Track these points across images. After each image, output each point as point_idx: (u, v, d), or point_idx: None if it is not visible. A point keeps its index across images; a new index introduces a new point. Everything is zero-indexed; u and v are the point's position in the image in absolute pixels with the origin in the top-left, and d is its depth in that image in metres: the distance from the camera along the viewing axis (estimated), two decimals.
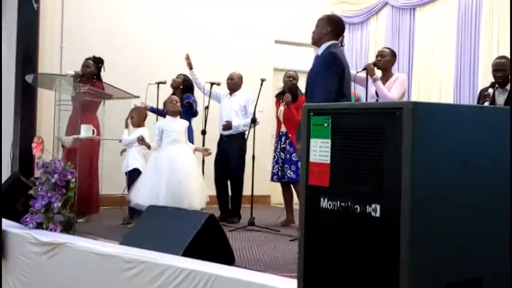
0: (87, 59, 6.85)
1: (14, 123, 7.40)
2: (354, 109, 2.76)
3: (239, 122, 6.99)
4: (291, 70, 7.07)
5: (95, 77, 6.81)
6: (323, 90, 4.55)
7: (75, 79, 6.36)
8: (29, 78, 6.79)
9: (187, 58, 7.07)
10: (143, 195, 5.76)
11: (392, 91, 5.48)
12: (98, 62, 6.87)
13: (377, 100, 5.52)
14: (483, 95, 5.79)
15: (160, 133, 6.07)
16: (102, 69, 6.89)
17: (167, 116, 6.25)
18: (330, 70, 4.62)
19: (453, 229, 2.46)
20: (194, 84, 7.18)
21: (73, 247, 4.51)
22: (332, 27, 4.81)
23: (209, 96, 7.08)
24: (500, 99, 5.67)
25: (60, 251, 4.58)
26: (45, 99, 7.54)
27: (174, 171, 5.85)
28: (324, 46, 4.78)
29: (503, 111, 2.71)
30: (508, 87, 5.67)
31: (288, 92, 6.71)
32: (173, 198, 5.62)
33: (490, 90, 5.71)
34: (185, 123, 6.25)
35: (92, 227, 6.06)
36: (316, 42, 4.88)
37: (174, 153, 5.98)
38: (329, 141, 2.69)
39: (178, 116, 6.26)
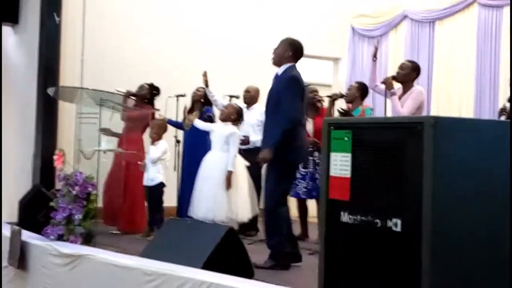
0: (144, 83, 7.14)
1: (35, 135, 7.48)
2: (375, 123, 2.77)
3: (257, 138, 6.99)
4: (311, 84, 7.07)
5: (146, 100, 7.07)
6: (290, 107, 4.96)
7: (124, 97, 6.76)
8: (50, 91, 6.87)
9: (205, 75, 7.08)
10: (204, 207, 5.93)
11: (405, 106, 5.48)
12: (153, 88, 7.15)
13: None
14: (499, 110, 5.81)
15: (212, 131, 6.29)
16: (157, 98, 7.17)
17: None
18: (293, 91, 5.01)
19: (474, 242, 2.45)
20: (212, 101, 7.19)
21: (94, 259, 4.54)
22: (293, 52, 5.17)
23: None
24: None
25: (80, 263, 4.61)
26: (66, 111, 7.61)
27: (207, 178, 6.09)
28: (283, 68, 5.14)
29: None
30: None
31: (312, 106, 6.68)
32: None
33: (507, 105, 5.70)
34: (226, 129, 6.20)
35: (112, 239, 6.09)
36: (277, 63, 5.20)
37: (210, 161, 6.17)
38: (349, 155, 2.70)
39: (229, 122, 6.25)
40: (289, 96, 4.98)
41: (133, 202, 6.82)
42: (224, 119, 6.29)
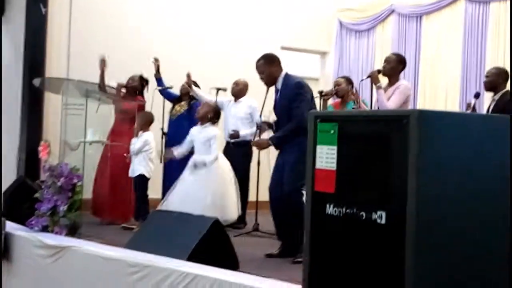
0: (134, 74, 7.14)
1: (20, 126, 7.43)
2: (361, 116, 2.77)
3: (246, 132, 6.95)
4: (298, 77, 7.03)
5: (137, 91, 7.09)
6: (305, 110, 4.68)
7: (117, 89, 6.87)
8: (36, 81, 6.83)
9: (188, 76, 6.92)
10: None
11: (391, 100, 5.48)
12: (143, 80, 7.17)
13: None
14: (466, 105, 5.96)
15: (191, 141, 6.21)
16: (146, 89, 7.17)
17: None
18: (305, 96, 5.09)
19: (458, 236, 2.46)
20: (198, 99, 7.01)
21: (79, 250, 4.53)
22: (275, 66, 5.22)
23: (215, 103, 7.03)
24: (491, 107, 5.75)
25: (65, 254, 4.60)
26: (52, 102, 7.57)
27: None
28: (281, 79, 5.19)
29: (508, 119, 2.71)
30: (496, 96, 5.72)
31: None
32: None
33: (473, 100, 5.85)
34: (206, 132, 6.21)
35: (97, 231, 6.07)
36: (271, 82, 5.24)
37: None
38: (335, 147, 2.70)
39: (207, 123, 6.25)
40: (302, 102, 5.03)
41: (118, 193, 6.79)
42: (201, 118, 6.26)
